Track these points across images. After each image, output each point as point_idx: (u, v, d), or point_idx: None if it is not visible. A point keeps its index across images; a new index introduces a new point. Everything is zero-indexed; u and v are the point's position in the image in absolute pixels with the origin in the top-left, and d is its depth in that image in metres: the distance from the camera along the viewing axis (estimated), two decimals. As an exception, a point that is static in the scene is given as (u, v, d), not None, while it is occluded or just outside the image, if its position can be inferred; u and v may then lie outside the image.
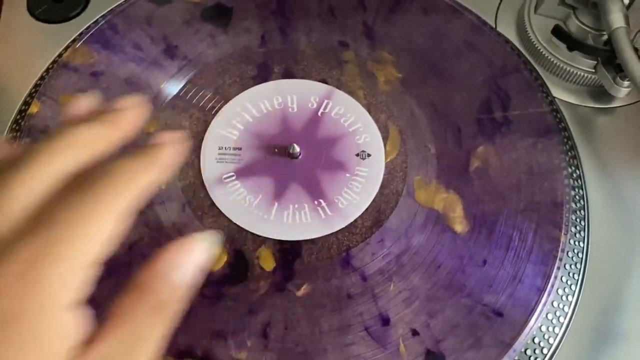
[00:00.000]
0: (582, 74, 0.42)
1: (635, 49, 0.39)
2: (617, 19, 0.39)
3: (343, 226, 0.37)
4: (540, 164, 0.39)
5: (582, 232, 0.38)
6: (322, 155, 0.39)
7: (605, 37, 0.42)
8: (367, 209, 0.37)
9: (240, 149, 0.39)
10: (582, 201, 0.39)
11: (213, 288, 0.35)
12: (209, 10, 0.44)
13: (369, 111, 0.40)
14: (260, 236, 0.36)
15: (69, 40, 0.43)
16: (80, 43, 0.42)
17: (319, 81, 0.41)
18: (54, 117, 0.39)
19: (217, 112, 0.40)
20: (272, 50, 0.43)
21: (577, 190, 0.39)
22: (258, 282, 0.35)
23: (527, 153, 0.39)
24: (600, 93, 0.43)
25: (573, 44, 0.42)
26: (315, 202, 0.37)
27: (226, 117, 0.40)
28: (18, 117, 0.41)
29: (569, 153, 0.40)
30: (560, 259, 0.36)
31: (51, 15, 0.45)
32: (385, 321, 0.34)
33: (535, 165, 0.39)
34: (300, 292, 0.35)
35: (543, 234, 0.36)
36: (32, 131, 0.39)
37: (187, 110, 0.40)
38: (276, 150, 0.39)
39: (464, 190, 0.38)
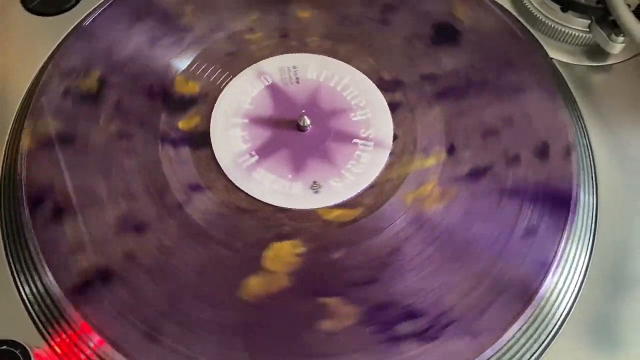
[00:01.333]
0: (577, 33, 0.44)
1: (627, 5, 0.40)
2: (607, -24, 0.40)
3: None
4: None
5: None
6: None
7: (597, -4, 0.43)
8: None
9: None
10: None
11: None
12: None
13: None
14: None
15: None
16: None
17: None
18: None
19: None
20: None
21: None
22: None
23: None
24: (595, 52, 0.44)
25: (566, 4, 0.43)
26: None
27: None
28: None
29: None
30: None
31: (46, 7, 0.44)
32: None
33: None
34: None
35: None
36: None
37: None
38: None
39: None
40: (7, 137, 0.39)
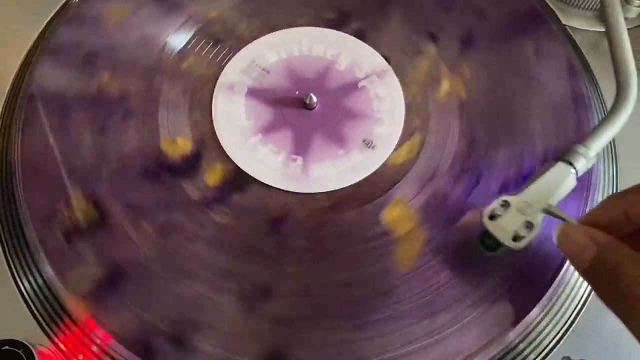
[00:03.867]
0: (592, -2, 0.42)
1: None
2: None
3: (299, 191, 0.35)
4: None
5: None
6: (332, 122, 0.37)
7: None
8: (332, 191, 0.35)
9: (269, 72, 0.38)
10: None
11: (156, 165, 0.35)
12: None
13: (408, 109, 0.37)
14: (225, 153, 0.36)
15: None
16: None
17: (382, 56, 0.39)
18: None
19: (272, 31, 0.39)
20: (361, 8, 0.41)
21: None
22: (192, 186, 0.35)
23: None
24: (610, 17, 0.42)
25: (581, -31, 0.41)
26: (293, 156, 0.36)
27: (276, 40, 0.39)
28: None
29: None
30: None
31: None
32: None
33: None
34: (216, 217, 0.34)
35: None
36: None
37: (251, 17, 0.40)
38: (297, 92, 0.37)
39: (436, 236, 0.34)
40: (-1, 122, 0.38)
